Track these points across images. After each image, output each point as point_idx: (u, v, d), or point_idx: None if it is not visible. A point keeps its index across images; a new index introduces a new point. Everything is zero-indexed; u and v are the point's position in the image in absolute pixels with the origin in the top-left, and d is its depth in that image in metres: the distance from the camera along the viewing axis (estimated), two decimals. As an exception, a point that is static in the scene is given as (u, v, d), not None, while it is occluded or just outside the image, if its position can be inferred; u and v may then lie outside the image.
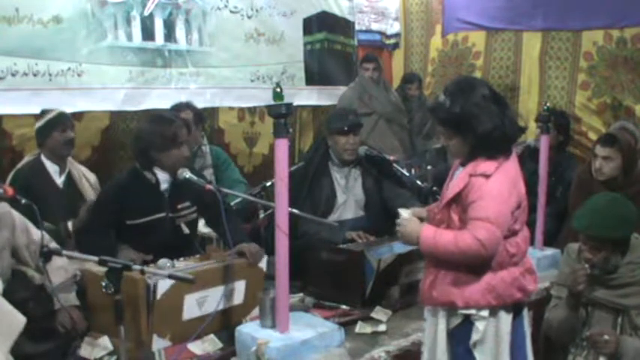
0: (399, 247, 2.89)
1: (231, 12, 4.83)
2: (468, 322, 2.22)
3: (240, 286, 2.68)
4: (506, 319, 2.23)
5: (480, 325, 2.20)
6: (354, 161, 3.55)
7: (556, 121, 4.14)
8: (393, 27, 6.50)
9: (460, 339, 2.23)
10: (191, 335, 2.46)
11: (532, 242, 3.03)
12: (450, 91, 2.24)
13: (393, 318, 2.78)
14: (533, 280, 2.30)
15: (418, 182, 3.71)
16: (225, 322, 2.62)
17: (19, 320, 1.94)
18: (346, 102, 5.13)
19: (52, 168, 3.27)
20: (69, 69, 3.86)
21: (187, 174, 2.84)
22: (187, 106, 3.91)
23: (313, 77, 5.58)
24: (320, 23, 5.63)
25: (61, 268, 2.53)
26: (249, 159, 5.34)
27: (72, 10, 3.85)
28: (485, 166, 2.18)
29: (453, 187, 2.24)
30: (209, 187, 2.77)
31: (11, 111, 3.70)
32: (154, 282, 2.37)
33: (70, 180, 3.31)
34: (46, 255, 2.28)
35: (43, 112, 3.31)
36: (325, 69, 5.70)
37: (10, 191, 2.11)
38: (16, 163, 3.38)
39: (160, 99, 4.26)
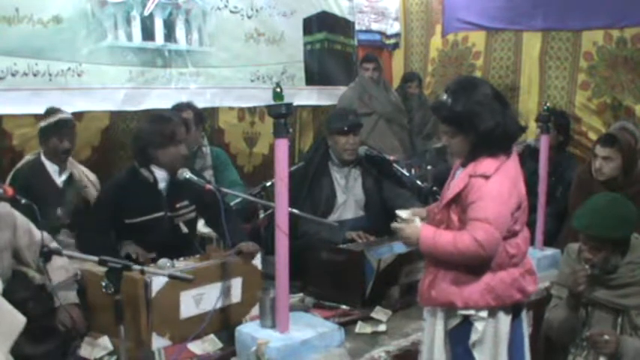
0: (399, 247, 2.89)
1: (231, 12, 4.83)
2: (467, 323, 2.22)
3: (236, 284, 2.67)
4: (505, 319, 2.23)
5: (479, 326, 2.20)
6: (354, 161, 3.55)
7: (556, 121, 4.14)
8: (393, 27, 6.49)
9: (459, 339, 2.23)
10: (190, 334, 2.46)
11: (532, 242, 3.02)
12: (452, 90, 2.25)
13: (393, 318, 2.77)
14: (533, 281, 2.31)
15: (418, 182, 3.72)
16: (224, 322, 2.62)
17: (19, 320, 1.93)
18: (346, 102, 5.13)
19: (51, 168, 3.26)
20: (69, 69, 3.86)
21: (187, 174, 2.84)
22: (188, 106, 3.91)
23: (313, 77, 5.57)
24: (320, 23, 5.62)
25: (62, 268, 2.52)
26: (249, 159, 5.34)
27: (72, 10, 3.84)
28: (485, 166, 2.18)
29: (453, 187, 2.25)
30: (209, 187, 2.77)
31: (11, 111, 3.70)
32: (149, 279, 2.36)
33: (70, 180, 3.31)
34: (46, 255, 2.28)
35: (48, 112, 3.28)
36: (325, 69, 5.69)
37: (9, 191, 2.10)
38: (16, 163, 3.38)
39: (160, 99, 4.26)
